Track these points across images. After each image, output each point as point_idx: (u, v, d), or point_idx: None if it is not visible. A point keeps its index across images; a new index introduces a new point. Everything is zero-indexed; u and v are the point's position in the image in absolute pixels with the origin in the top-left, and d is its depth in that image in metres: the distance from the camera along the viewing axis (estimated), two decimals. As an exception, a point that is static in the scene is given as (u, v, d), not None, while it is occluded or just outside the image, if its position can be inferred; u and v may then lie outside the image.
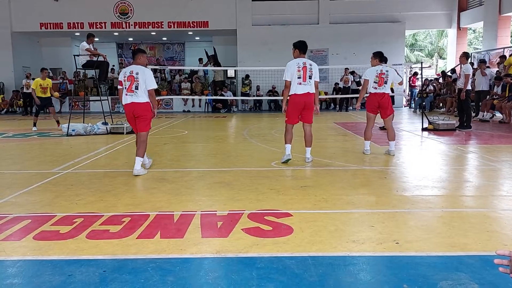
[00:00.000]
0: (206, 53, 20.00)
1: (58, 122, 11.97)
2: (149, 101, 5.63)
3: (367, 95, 6.95)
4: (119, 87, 5.72)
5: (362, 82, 7.02)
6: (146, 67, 5.76)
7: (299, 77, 5.98)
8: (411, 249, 2.96)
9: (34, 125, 11.73)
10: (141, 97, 5.54)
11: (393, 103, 10.18)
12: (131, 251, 2.98)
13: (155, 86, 5.69)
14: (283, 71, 6.10)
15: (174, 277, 2.58)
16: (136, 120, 5.64)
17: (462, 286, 2.42)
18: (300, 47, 6.15)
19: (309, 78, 6.00)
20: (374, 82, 6.77)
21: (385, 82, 6.75)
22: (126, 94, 5.56)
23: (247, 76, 19.54)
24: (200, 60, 20.26)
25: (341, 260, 2.81)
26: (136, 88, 5.50)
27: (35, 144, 8.90)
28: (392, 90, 8.51)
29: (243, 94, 19.25)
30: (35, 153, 7.60)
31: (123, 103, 5.64)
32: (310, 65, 6.06)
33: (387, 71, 6.80)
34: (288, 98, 6.13)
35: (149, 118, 5.70)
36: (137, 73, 5.52)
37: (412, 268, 2.67)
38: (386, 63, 7.08)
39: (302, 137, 6.33)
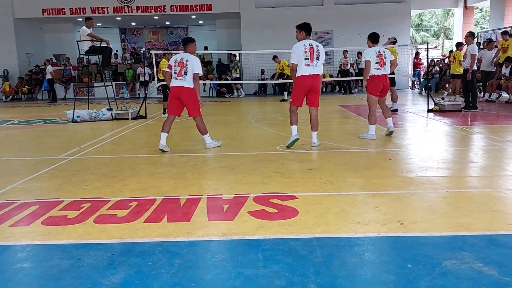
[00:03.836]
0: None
1: (166, 109, 10.79)
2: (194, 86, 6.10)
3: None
4: (167, 70, 6.26)
5: (363, 64, 6.88)
6: (195, 55, 6.31)
7: (306, 58, 5.84)
8: (416, 230, 2.98)
9: (164, 111, 10.60)
10: (189, 82, 6.04)
11: (393, 84, 10.12)
12: (139, 235, 3.02)
13: (200, 72, 6.16)
14: (288, 53, 6.00)
15: (181, 259, 2.61)
16: (186, 106, 6.15)
17: (466, 265, 2.44)
18: (306, 29, 6.01)
19: (317, 59, 5.88)
20: (376, 63, 6.68)
21: (385, 63, 6.71)
22: (176, 78, 6.08)
23: (234, 57, 18.95)
24: (205, 48, 20.22)
25: (346, 241, 2.83)
26: (185, 73, 6.02)
27: (40, 130, 8.96)
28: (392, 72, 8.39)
29: (234, 79, 18.39)
30: (41, 140, 7.65)
31: (171, 85, 6.13)
32: (317, 46, 5.94)
33: (384, 51, 6.78)
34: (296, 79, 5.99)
35: (196, 102, 6.13)
36: (187, 60, 6.07)
37: (417, 248, 2.68)
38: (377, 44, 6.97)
39: (307, 120, 6.29)
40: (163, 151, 6.08)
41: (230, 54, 19.03)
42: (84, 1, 19.47)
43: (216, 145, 6.36)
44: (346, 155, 5.62)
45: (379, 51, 6.73)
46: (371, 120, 6.76)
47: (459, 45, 12.91)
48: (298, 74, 5.92)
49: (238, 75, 18.69)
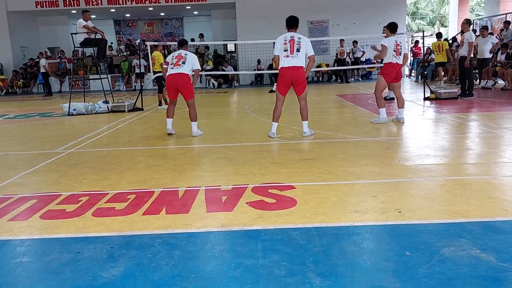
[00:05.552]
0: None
1: (161, 101, 10.97)
2: (189, 74, 6.59)
3: (371, 65, 6.97)
4: (164, 66, 6.83)
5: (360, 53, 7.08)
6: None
7: (285, 50, 5.90)
8: (414, 218, 2.99)
9: (160, 103, 10.91)
10: (185, 70, 6.51)
11: None
12: (138, 227, 3.02)
13: (200, 68, 6.78)
14: None
15: (180, 251, 2.62)
16: (180, 91, 6.56)
17: (464, 252, 2.45)
18: (288, 23, 6.11)
19: (297, 51, 5.88)
20: (394, 51, 6.85)
21: (400, 53, 6.91)
22: (172, 68, 6.50)
23: (206, 49, 18.96)
24: (201, 35, 20.11)
25: (345, 230, 2.84)
26: (183, 63, 6.51)
27: (37, 124, 8.92)
28: None
29: (207, 71, 18.03)
30: (38, 134, 7.62)
31: (168, 73, 6.54)
32: (299, 38, 5.95)
33: (400, 42, 6.97)
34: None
35: (191, 86, 6.59)
36: (186, 54, 6.63)
37: (415, 236, 2.70)
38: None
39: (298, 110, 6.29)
40: (170, 134, 6.71)
41: (204, 46, 19.02)
42: (77, -7, 19.30)
43: (200, 134, 6.67)
44: (343, 144, 5.62)
45: (396, 41, 6.91)
46: (380, 104, 6.96)
47: (439, 36, 13.49)
48: (280, 66, 6.01)
49: (210, 67, 18.54)
